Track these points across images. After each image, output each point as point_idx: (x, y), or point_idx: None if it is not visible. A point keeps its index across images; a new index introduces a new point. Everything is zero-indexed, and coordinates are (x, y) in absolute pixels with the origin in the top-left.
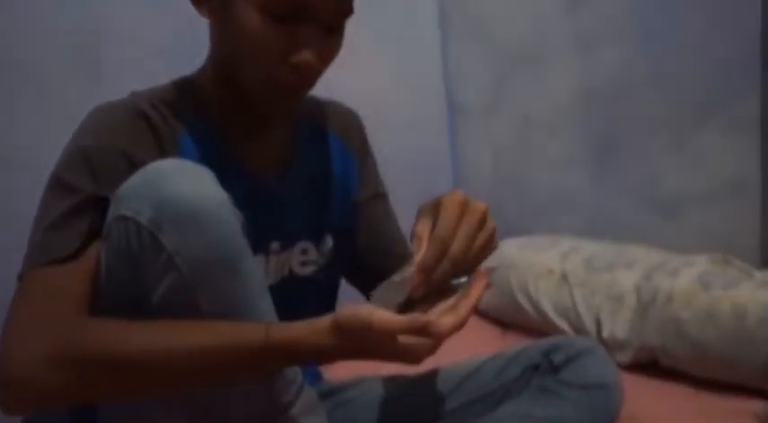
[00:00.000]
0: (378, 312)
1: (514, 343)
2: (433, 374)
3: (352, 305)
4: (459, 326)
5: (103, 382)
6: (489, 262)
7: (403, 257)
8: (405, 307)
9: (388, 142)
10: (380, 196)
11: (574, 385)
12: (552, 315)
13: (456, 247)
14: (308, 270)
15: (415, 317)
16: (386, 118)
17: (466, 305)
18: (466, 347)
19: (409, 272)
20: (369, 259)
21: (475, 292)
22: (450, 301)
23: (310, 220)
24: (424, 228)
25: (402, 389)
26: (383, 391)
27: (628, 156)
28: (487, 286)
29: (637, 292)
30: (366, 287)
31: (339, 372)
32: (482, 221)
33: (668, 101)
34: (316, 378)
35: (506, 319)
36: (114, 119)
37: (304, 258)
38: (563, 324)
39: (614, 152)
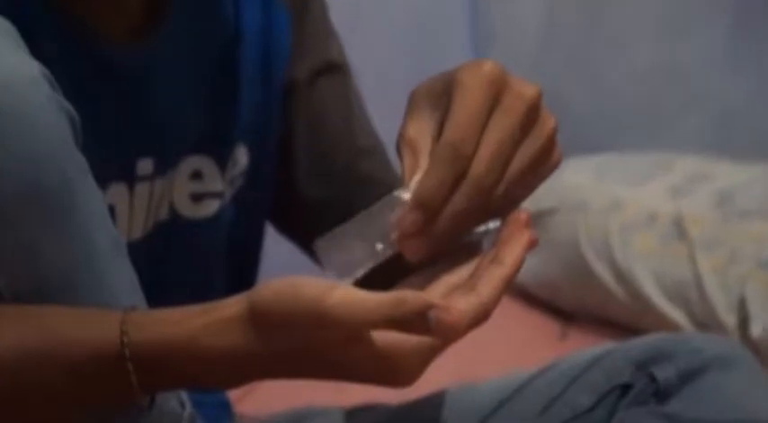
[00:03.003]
0: (335, 290)
1: (583, 347)
2: (435, 403)
3: (285, 278)
4: (482, 314)
5: None
6: (540, 200)
7: (378, 181)
8: (387, 278)
9: None
10: (334, 70)
11: (693, 422)
12: (655, 295)
13: (482, 162)
14: (205, 209)
15: (402, 297)
16: None
17: (494, 277)
18: (495, 355)
19: (395, 204)
20: (315, 187)
21: (510, 252)
22: (466, 268)
23: (206, 120)
24: (420, 129)
25: None
26: None
27: None
28: (532, 244)
29: None
30: (311, 239)
31: (263, 402)
32: (529, 117)
33: None
34: (221, 414)
35: (568, 304)
36: None
37: (197, 187)
38: (674, 312)
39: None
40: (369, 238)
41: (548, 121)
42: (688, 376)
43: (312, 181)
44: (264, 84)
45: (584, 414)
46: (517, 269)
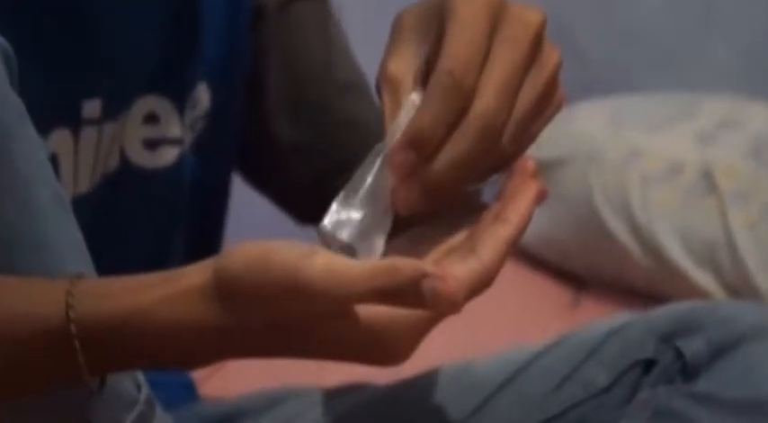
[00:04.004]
0: (314, 258)
1: (597, 317)
2: (429, 383)
3: (257, 242)
4: (484, 281)
5: None
6: (547, 149)
7: (362, 122)
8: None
9: None
10: None
11: (730, 404)
12: (680, 257)
13: (487, 97)
14: (162, 158)
15: (393, 265)
16: None
17: (498, 237)
18: (497, 328)
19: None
20: (289, 127)
21: (516, 208)
22: (464, 226)
23: (161, 54)
24: (404, 64)
25: (364, 414)
26: (325, 418)
27: None
28: (541, 197)
29: None
30: (286, 190)
31: (232, 382)
32: (534, 48)
33: None
34: (184, 396)
35: (581, 268)
36: None
37: (151, 132)
38: (702, 276)
39: None
40: (376, 203)
41: (552, 54)
42: (719, 350)
43: (286, 121)
44: (229, 9)
45: (600, 394)
46: (524, 227)
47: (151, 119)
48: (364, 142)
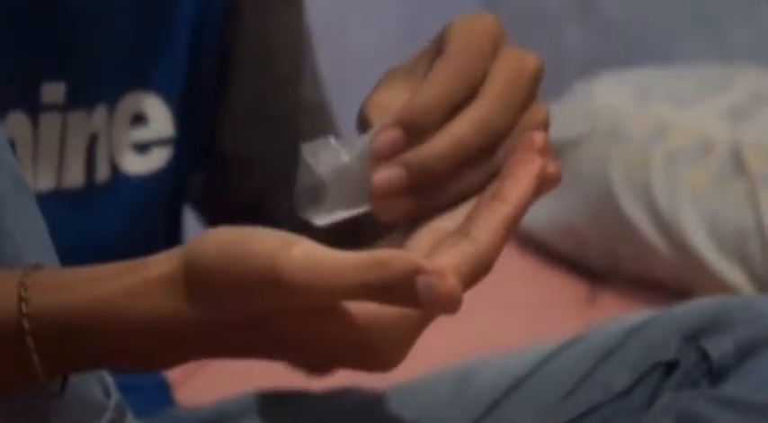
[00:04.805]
0: (294, 247)
1: (616, 314)
2: (429, 386)
3: (232, 228)
4: (479, 268)
5: None
6: (563, 127)
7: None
8: (354, 231)
9: None
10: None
11: (759, 410)
12: (706, 248)
13: (491, 95)
14: (155, 160)
15: (382, 258)
16: None
17: (494, 218)
18: (509, 325)
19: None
20: (235, 142)
21: (516, 185)
22: (461, 210)
23: (140, 44)
24: (392, 96)
25: (355, 421)
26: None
27: None
28: (553, 178)
29: None
30: (218, 206)
31: (208, 387)
32: (529, 84)
33: None
34: (158, 399)
35: (598, 260)
36: None
37: (141, 135)
38: (731, 269)
39: None
40: (363, 171)
41: (540, 110)
42: (748, 350)
43: (236, 131)
44: (199, 7)
45: (618, 397)
46: (524, 206)
47: (139, 120)
48: None
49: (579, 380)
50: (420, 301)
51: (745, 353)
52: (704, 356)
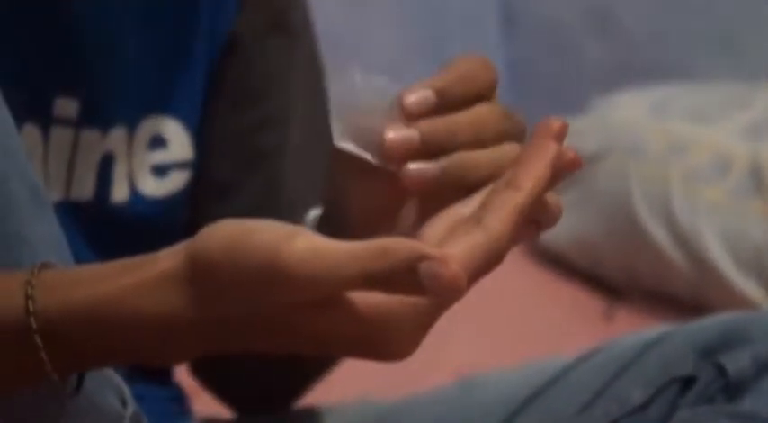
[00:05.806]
0: (296, 240)
1: (633, 329)
2: (444, 397)
3: (234, 222)
4: (491, 256)
5: None
6: (581, 142)
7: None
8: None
9: None
10: (282, 33)
11: None
12: (724, 263)
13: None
14: (174, 183)
15: (382, 246)
16: None
17: (506, 205)
18: (524, 339)
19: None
20: (221, 167)
21: (530, 171)
22: (477, 197)
23: (158, 68)
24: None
25: None
26: None
27: None
28: (572, 164)
29: None
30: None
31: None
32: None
33: None
34: (173, 410)
35: (616, 275)
36: None
37: (160, 158)
38: (748, 284)
39: None
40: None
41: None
42: (765, 366)
43: (217, 159)
44: (209, 33)
45: (634, 412)
46: (538, 194)
47: (158, 143)
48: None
49: (596, 394)
50: (423, 288)
51: (763, 368)
52: (721, 372)
